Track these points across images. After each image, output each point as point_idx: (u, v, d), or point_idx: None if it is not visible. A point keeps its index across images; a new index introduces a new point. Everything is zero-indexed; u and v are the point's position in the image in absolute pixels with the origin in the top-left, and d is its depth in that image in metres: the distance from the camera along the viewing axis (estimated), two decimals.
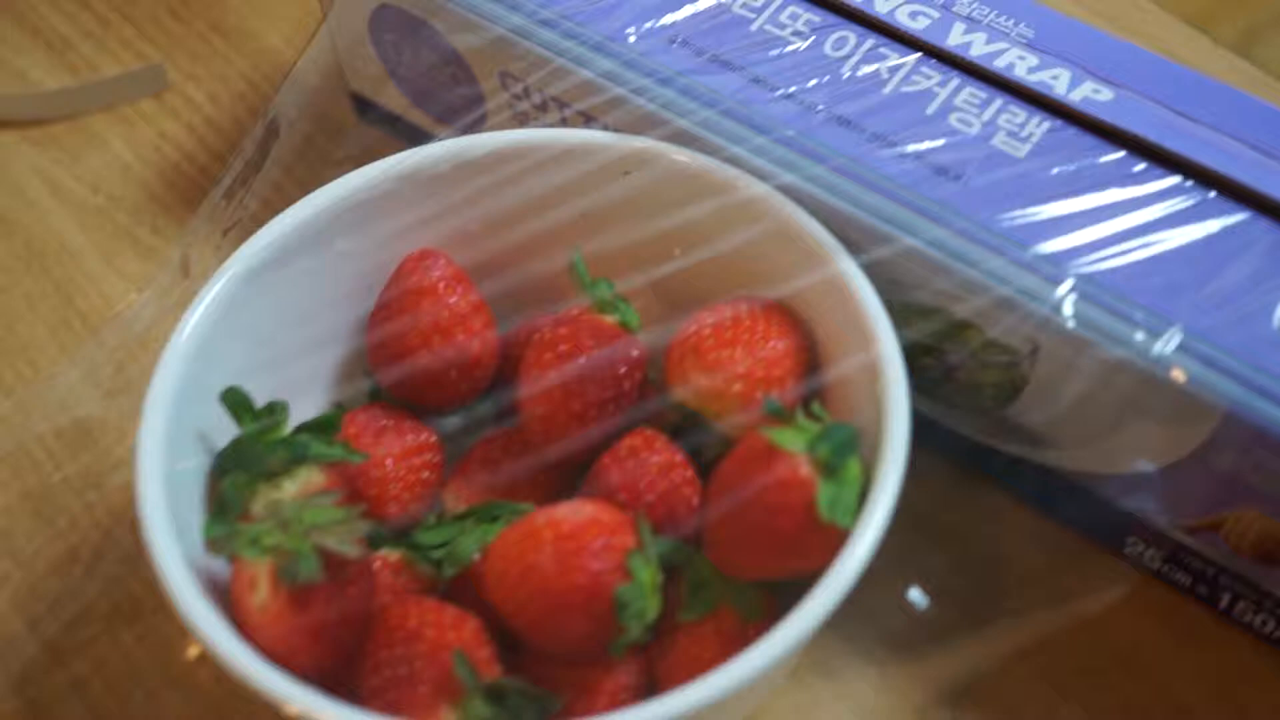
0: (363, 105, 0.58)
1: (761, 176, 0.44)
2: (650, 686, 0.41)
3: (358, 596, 0.39)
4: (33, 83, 0.64)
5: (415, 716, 0.38)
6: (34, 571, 0.47)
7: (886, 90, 0.46)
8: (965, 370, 0.45)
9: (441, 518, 0.45)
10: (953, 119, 0.45)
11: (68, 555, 0.47)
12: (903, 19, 0.48)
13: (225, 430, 0.42)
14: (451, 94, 0.53)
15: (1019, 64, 0.46)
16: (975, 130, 0.45)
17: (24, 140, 0.62)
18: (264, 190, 0.51)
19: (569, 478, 0.45)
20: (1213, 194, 0.43)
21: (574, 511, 0.40)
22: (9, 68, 0.64)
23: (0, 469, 0.49)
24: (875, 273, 0.43)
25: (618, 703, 0.40)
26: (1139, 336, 0.40)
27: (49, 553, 0.47)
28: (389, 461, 0.45)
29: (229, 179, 0.51)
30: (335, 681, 0.38)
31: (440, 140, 0.47)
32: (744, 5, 0.48)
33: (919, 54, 0.47)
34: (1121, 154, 0.44)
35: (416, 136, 0.56)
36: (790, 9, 0.48)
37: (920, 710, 0.44)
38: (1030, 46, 0.47)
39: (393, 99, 0.56)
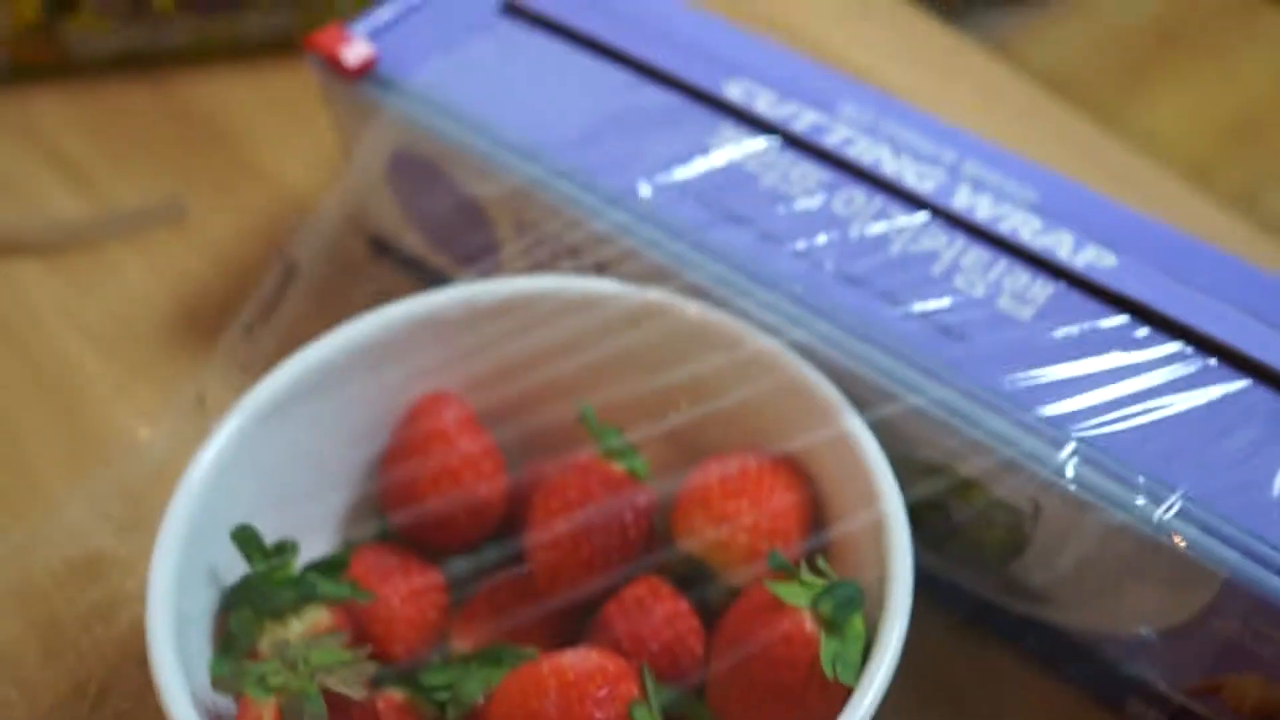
0: (380, 247, 0.59)
1: (770, 331, 0.45)
2: None
3: None
4: (52, 210, 0.65)
5: None
6: (39, 704, 0.47)
7: (894, 249, 0.47)
8: (970, 528, 0.45)
9: (447, 659, 0.45)
10: (958, 280, 0.46)
11: (74, 690, 0.47)
12: (910, 180, 0.49)
13: (235, 567, 0.43)
14: (468, 239, 0.54)
15: (1024, 227, 0.47)
16: (980, 292, 0.46)
17: (42, 267, 0.63)
18: (281, 329, 0.52)
19: (574, 623, 0.45)
20: (1214, 361, 0.44)
21: (579, 659, 0.40)
22: (29, 195, 0.66)
23: (8, 599, 0.49)
24: (881, 430, 0.43)
25: None
26: (1140, 501, 0.41)
27: (56, 685, 0.47)
28: (396, 601, 0.45)
29: (247, 316, 0.52)
30: None
31: (455, 285, 0.48)
32: (756, 162, 0.50)
33: (926, 214, 0.48)
34: (1124, 319, 0.45)
35: (433, 279, 0.57)
36: (801, 167, 0.50)
37: None
38: (1035, 210, 0.48)
39: (410, 242, 0.57)
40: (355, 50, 0.54)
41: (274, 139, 0.68)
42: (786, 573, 0.40)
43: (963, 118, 0.63)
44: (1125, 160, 0.66)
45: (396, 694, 0.43)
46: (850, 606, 0.39)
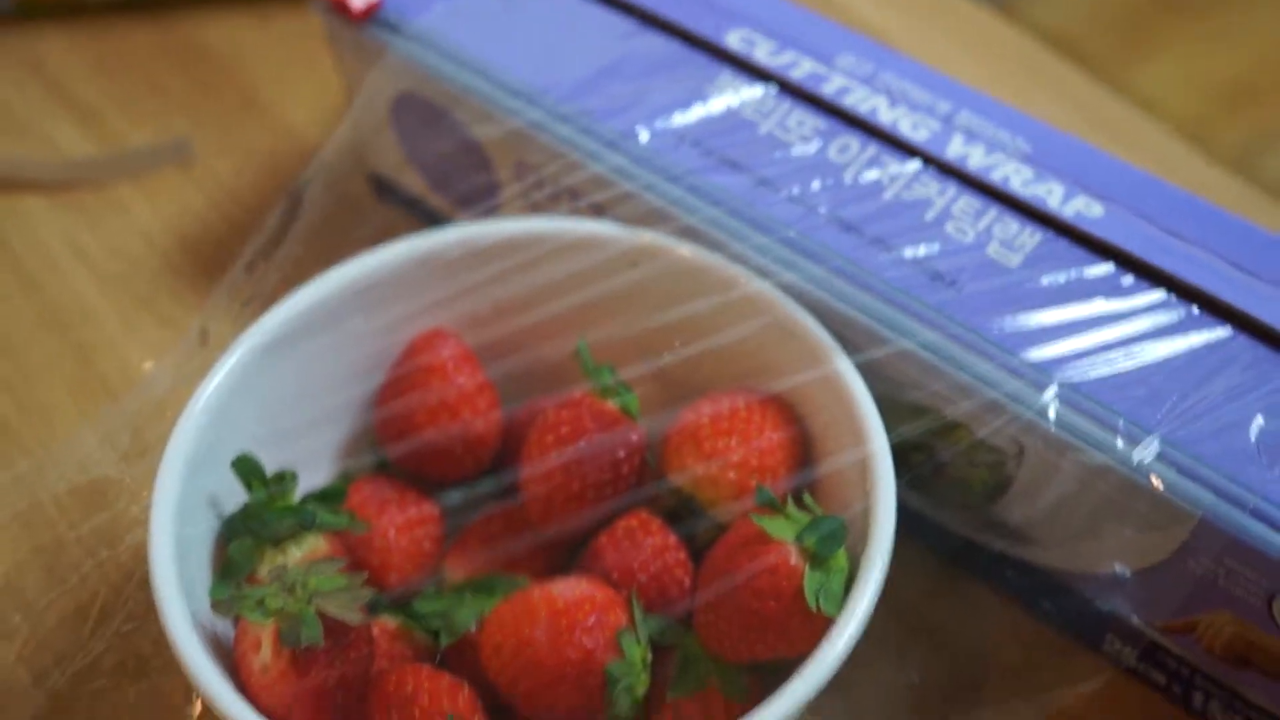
0: (382, 187, 0.60)
1: (763, 274, 0.46)
2: None
3: (357, 661, 0.41)
4: (62, 149, 0.66)
5: None
6: (43, 625, 0.48)
7: (887, 196, 0.48)
8: (954, 468, 0.46)
9: (440, 588, 0.46)
10: (949, 227, 0.47)
11: (76, 612, 0.48)
12: (905, 129, 0.50)
13: (235, 496, 0.44)
14: (468, 180, 0.55)
15: (1015, 177, 0.48)
16: (970, 239, 0.47)
17: (51, 205, 0.64)
18: (284, 266, 0.53)
19: (565, 555, 0.46)
20: (1196, 309, 0.45)
21: (569, 588, 0.42)
22: (39, 133, 0.66)
23: (14, 525, 0.51)
24: (870, 372, 0.44)
25: None
26: (1119, 443, 0.42)
27: (59, 608, 0.48)
28: (392, 532, 0.46)
29: (250, 253, 0.53)
30: None
31: (454, 225, 0.49)
32: (754, 109, 0.51)
33: (919, 163, 0.49)
34: (1110, 267, 0.46)
35: (433, 219, 0.58)
36: (797, 115, 0.50)
37: None
38: (1026, 160, 0.49)
39: (411, 182, 0.58)
40: None
41: (279, 80, 0.68)
42: (773, 507, 0.41)
43: (962, 72, 0.64)
44: (1122, 117, 0.67)
45: (390, 621, 0.44)
46: (834, 541, 0.40)
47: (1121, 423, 0.42)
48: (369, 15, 0.55)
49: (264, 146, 0.66)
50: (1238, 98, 0.94)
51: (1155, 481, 0.41)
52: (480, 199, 0.55)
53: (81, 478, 0.50)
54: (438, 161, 0.56)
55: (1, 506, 0.51)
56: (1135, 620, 0.45)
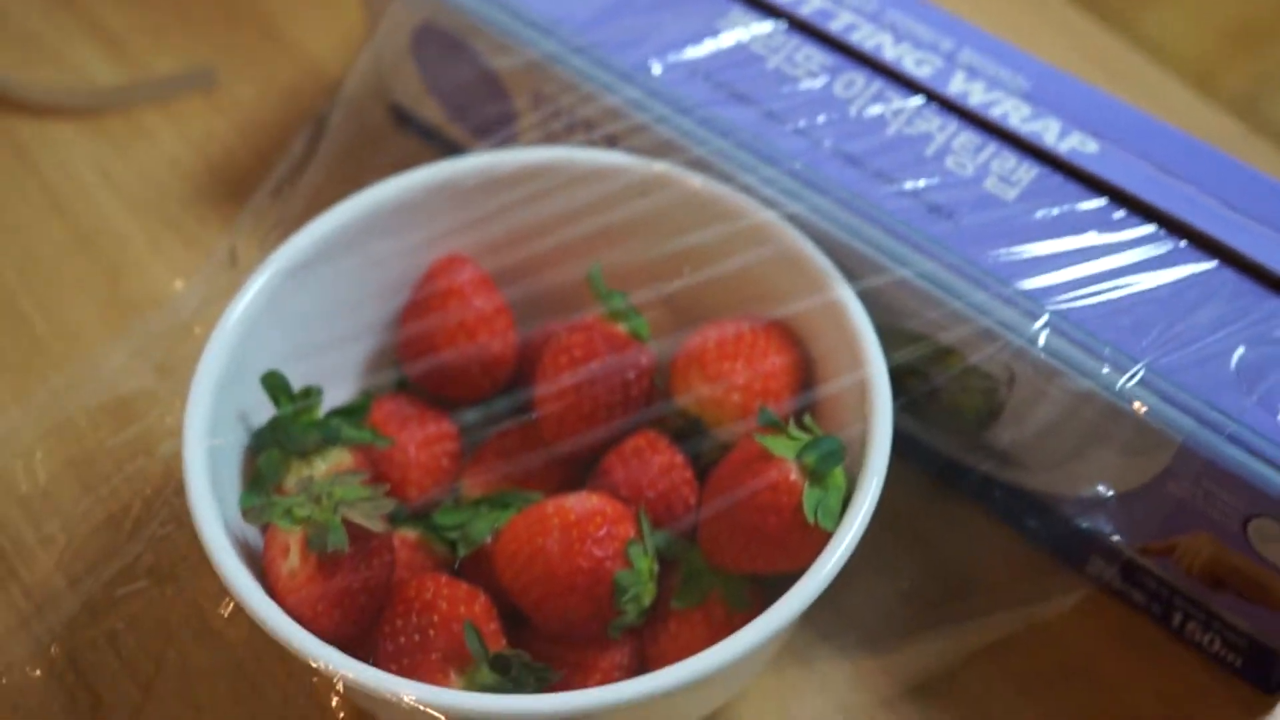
0: (402, 116, 0.62)
1: (770, 204, 0.48)
2: (642, 667, 0.45)
3: (380, 567, 0.43)
4: (89, 76, 0.68)
5: (426, 680, 0.41)
6: (78, 534, 0.50)
7: (889, 131, 0.50)
8: (948, 393, 0.48)
9: (458, 502, 0.48)
10: (949, 161, 0.49)
11: (109, 520, 0.50)
12: (909, 65, 0.51)
13: (263, 411, 0.46)
14: (486, 110, 0.56)
15: (1013, 113, 0.50)
16: (969, 173, 0.48)
17: (79, 130, 0.65)
18: (307, 191, 0.55)
19: (577, 472, 0.48)
20: (1184, 243, 0.47)
21: (580, 502, 0.44)
22: (68, 61, 0.68)
23: (48, 439, 0.53)
24: (869, 299, 0.46)
25: (612, 679, 0.44)
26: (1105, 370, 0.44)
27: (93, 517, 0.51)
28: (412, 448, 0.48)
29: (276, 179, 0.55)
30: (354, 645, 0.42)
31: (472, 154, 0.51)
32: (763, 44, 0.52)
33: (922, 99, 0.51)
34: (1102, 202, 0.48)
35: (451, 148, 0.60)
36: (805, 50, 0.52)
37: (889, 703, 0.47)
38: (1025, 98, 0.51)
39: (431, 112, 0.60)
40: None
41: (302, 10, 0.70)
42: (775, 427, 0.44)
43: (969, 11, 0.65)
44: (1127, 61, 0.68)
45: (410, 533, 0.47)
46: (832, 459, 0.42)
47: (1108, 350, 0.44)
48: None
49: (286, 75, 0.67)
50: (1245, 40, 0.95)
51: (1138, 407, 0.43)
52: (497, 129, 0.56)
53: (111, 393, 0.52)
54: (456, 92, 0.58)
55: (36, 421, 0.53)
56: (1117, 541, 0.47)
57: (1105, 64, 0.67)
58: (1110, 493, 0.46)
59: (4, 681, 0.47)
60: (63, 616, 0.49)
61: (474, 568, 0.46)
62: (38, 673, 0.48)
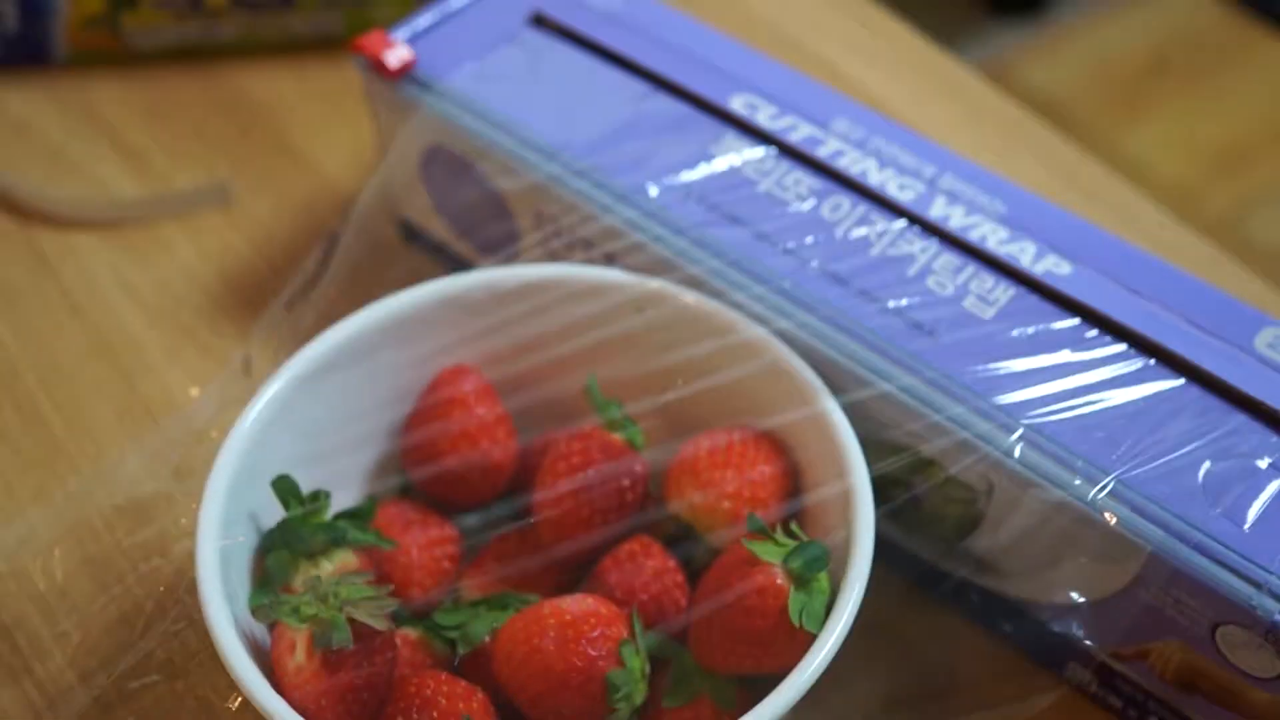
0: (411, 233, 0.65)
1: (760, 321, 0.50)
2: None
3: (383, 664, 0.45)
4: (111, 189, 0.70)
5: None
6: (92, 632, 0.52)
7: (874, 252, 0.52)
8: (929, 502, 0.50)
9: (457, 603, 0.50)
10: (930, 281, 0.51)
11: (121, 619, 0.52)
12: (892, 190, 0.54)
13: (274, 512, 0.48)
14: (491, 228, 0.59)
15: (991, 236, 0.52)
16: (949, 292, 0.51)
17: (101, 241, 0.68)
18: (319, 304, 0.57)
19: (573, 575, 0.50)
20: (1152, 361, 0.49)
21: (576, 603, 0.46)
22: (92, 175, 0.71)
23: (67, 539, 0.55)
24: (854, 412, 0.49)
25: None
26: (1078, 482, 0.46)
27: (106, 615, 0.52)
28: (414, 550, 0.50)
29: (289, 292, 0.57)
30: None
31: (477, 270, 0.53)
32: (754, 169, 0.55)
33: (904, 222, 0.53)
34: (1075, 321, 0.50)
35: (458, 264, 0.63)
36: (794, 175, 0.55)
37: None
38: (1002, 221, 0.53)
39: (438, 229, 0.63)
40: (396, 53, 0.59)
41: (316, 130, 0.73)
42: (763, 534, 0.46)
43: (951, 136, 0.68)
44: (1106, 183, 0.71)
45: (412, 631, 0.48)
46: (817, 564, 0.44)
47: (1080, 463, 0.46)
48: (403, 73, 0.59)
49: (300, 192, 0.70)
50: (1227, 162, 0.98)
51: (1109, 518, 0.45)
52: (501, 246, 0.59)
53: (130, 495, 0.54)
54: (463, 210, 0.60)
55: (54, 521, 0.55)
56: (1092, 646, 0.49)
57: (1081, 186, 0.69)
58: (1084, 599, 0.48)
59: None
60: (74, 711, 0.51)
61: (473, 666, 0.48)
62: None
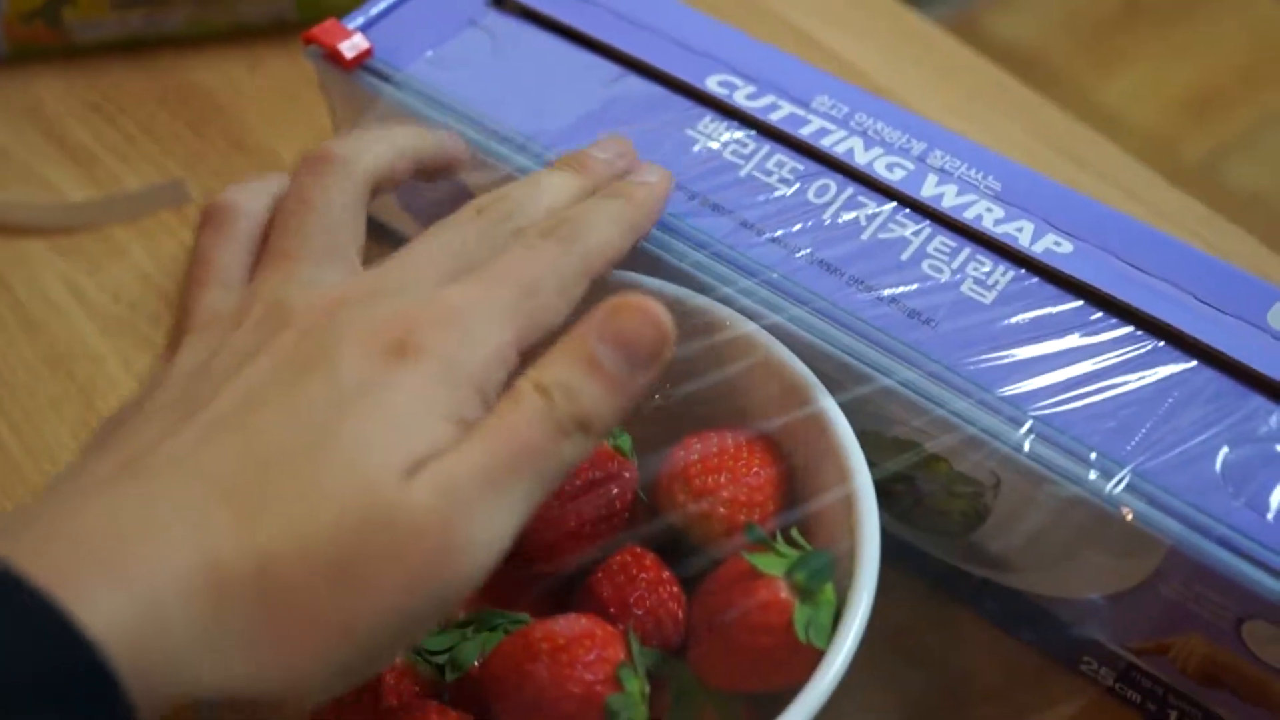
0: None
1: (749, 316, 0.48)
2: None
3: (369, 699, 0.42)
4: (60, 193, 0.67)
5: None
6: None
7: (864, 236, 0.50)
8: (934, 499, 0.48)
9: (444, 625, 0.48)
10: (925, 266, 0.49)
11: None
12: (880, 170, 0.52)
13: None
14: None
15: (986, 215, 0.50)
16: (946, 277, 0.49)
17: (51, 249, 0.65)
18: None
19: (563, 589, 0.48)
20: (1162, 343, 0.47)
21: (568, 625, 0.43)
22: (37, 177, 0.68)
23: None
24: (853, 408, 0.46)
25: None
26: (1092, 475, 0.44)
27: None
28: None
29: None
30: None
31: None
32: (734, 152, 0.52)
33: (894, 203, 0.51)
34: (1079, 303, 0.48)
35: None
36: (776, 157, 0.52)
37: None
38: (997, 199, 0.51)
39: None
40: (352, 43, 0.56)
41: (272, 122, 0.70)
42: (763, 544, 0.43)
43: (930, 99, 0.66)
44: (1086, 139, 0.69)
45: (398, 659, 0.46)
46: (822, 575, 0.42)
47: (1093, 455, 0.44)
48: (360, 63, 0.56)
49: None
50: (1202, 108, 0.96)
51: (1126, 512, 0.43)
52: None
53: None
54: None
55: None
56: (1111, 643, 0.47)
57: (1064, 146, 0.67)
58: (1101, 596, 0.46)
59: None
60: None
61: (463, 692, 0.45)
62: None
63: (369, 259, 0.60)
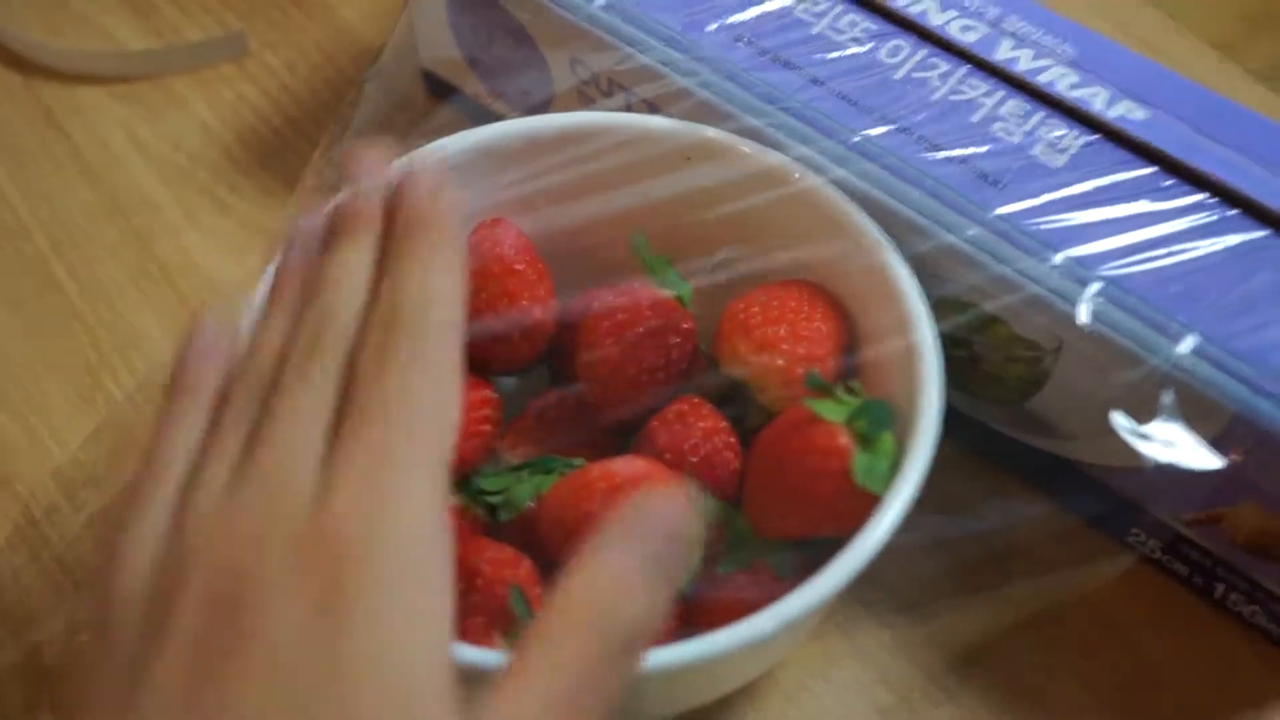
0: (438, 86, 0.62)
1: (815, 170, 0.48)
2: (687, 631, 0.44)
3: None
4: (119, 42, 0.67)
5: (471, 642, 0.41)
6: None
7: (936, 98, 0.49)
8: (991, 363, 0.48)
9: (499, 467, 0.48)
10: (996, 128, 0.48)
11: None
12: (954, 32, 0.51)
13: None
14: (523, 76, 0.56)
15: (1061, 80, 0.49)
16: (1017, 140, 0.48)
17: (110, 96, 0.65)
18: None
19: (619, 438, 0.48)
20: (1234, 212, 0.46)
21: (626, 465, 0.43)
22: (97, 26, 0.68)
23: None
24: (914, 266, 0.46)
25: (655, 643, 0.43)
26: (1157, 339, 0.43)
27: None
28: None
29: (320, 150, 0.54)
30: None
31: (514, 119, 0.51)
32: (806, 10, 0.52)
33: (968, 65, 0.50)
34: (1152, 169, 0.47)
35: (489, 117, 0.59)
36: (849, 16, 0.52)
37: (929, 672, 0.47)
38: (1072, 65, 0.50)
39: (467, 81, 0.60)
40: None
41: None
42: (824, 391, 0.43)
43: None
44: (1158, 30, 0.68)
45: (451, 498, 0.46)
46: (882, 423, 0.42)
47: (1159, 319, 0.44)
48: None
49: (316, 43, 0.67)
50: (1264, 23, 0.94)
51: (1191, 377, 0.43)
52: (535, 94, 0.56)
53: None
54: (493, 58, 0.57)
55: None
56: (1162, 511, 0.47)
57: (1142, 38, 0.66)
58: (1158, 462, 0.46)
59: None
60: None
61: (516, 533, 0.45)
62: None
63: (434, 120, 0.61)
